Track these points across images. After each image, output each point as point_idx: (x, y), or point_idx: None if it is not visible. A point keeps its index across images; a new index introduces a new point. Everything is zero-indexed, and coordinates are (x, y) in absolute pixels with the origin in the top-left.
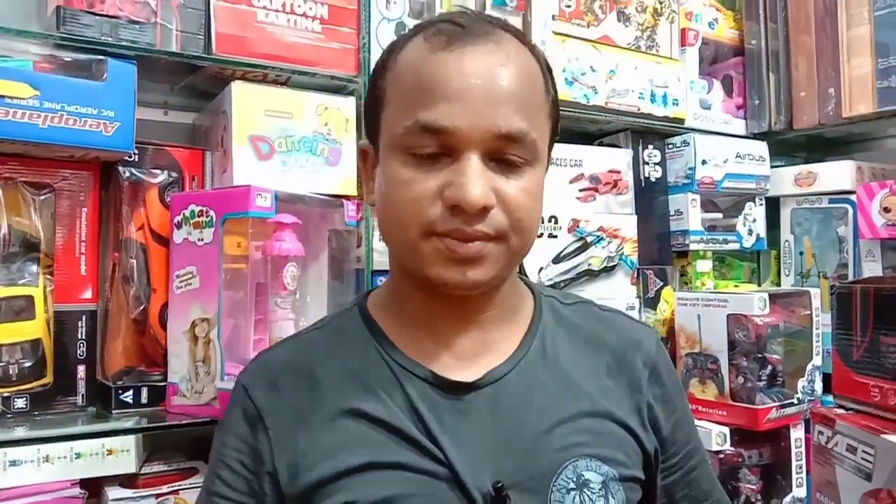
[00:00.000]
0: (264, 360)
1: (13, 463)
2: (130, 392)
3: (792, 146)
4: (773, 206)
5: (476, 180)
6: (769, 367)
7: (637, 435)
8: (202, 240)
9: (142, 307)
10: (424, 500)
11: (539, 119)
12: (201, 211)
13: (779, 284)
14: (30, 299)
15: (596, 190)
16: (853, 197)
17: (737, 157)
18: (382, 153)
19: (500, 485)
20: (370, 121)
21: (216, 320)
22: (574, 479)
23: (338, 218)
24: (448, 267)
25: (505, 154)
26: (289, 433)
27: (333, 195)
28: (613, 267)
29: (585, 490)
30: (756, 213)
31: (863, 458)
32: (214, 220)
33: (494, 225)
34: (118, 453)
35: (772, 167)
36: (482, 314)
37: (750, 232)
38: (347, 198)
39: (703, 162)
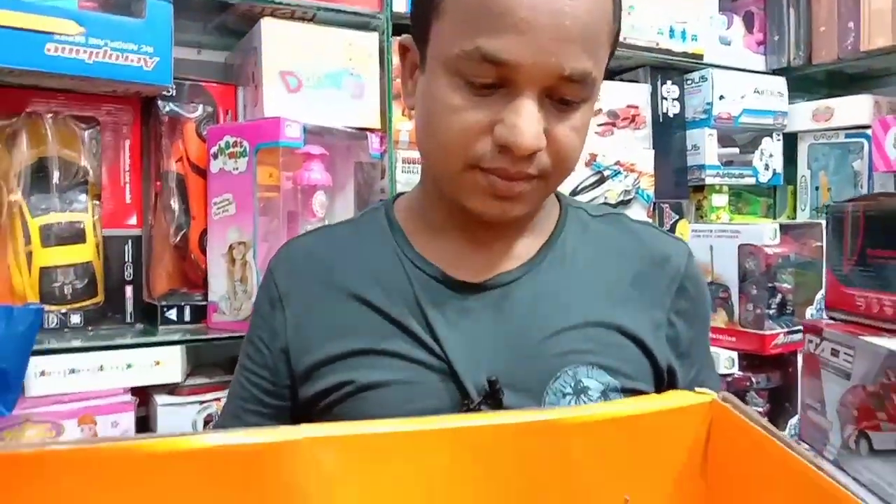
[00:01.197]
0: (290, 248)
1: (72, 371)
2: (174, 310)
3: (811, 83)
4: (790, 141)
5: (530, 123)
6: (779, 297)
7: (649, 349)
8: (237, 169)
9: (182, 233)
10: (418, 387)
11: (602, 54)
12: (235, 142)
13: (794, 219)
14: (80, 225)
15: (614, 125)
16: (870, 132)
17: (755, 92)
18: (430, 65)
19: (494, 379)
20: (418, 23)
21: (252, 243)
22: (572, 385)
23: (363, 150)
24: (488, 202)
25: (563, 94)
26: (301, 314)
27: (358, 128)
28: (630, 201)
29: (583, 396)
30: (773, 148)
31: (844, 360)
32: (248, 150)
33: (539, 165)
34: (165, 364)
35: (790, 104)
36: (506, 227)
37: (766, 167)
38: (372, 131)
39: (721, 97)
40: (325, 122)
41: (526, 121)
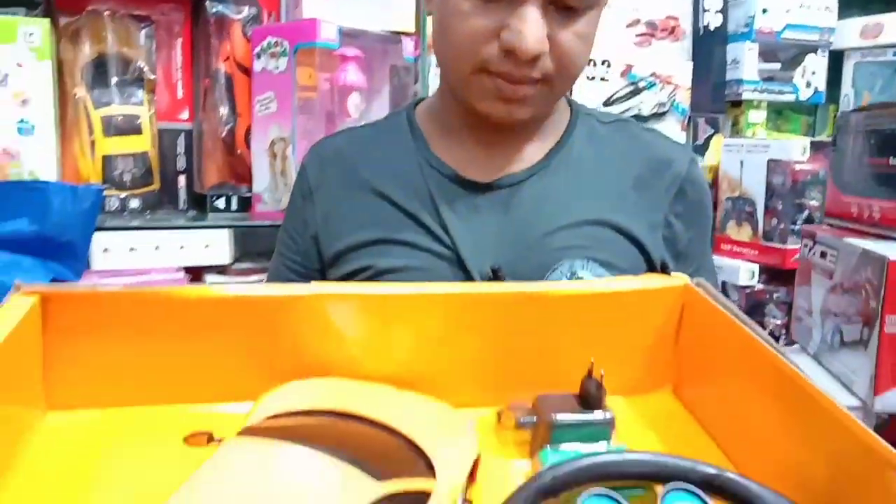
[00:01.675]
0: (320, 147)
1: (132, 249)
2: (223, 200)
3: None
4: (835, 59)
5: (533, 28)
6: (805, 213)
7: (644, 247)
8: (278, 68)
9: (229, 128)
10: (429, 273)
11: None
12: (276, 42)
13: None
14: (137, 118)
15: (652, 35)
16: None
17: (801, 6)
18: None
19: (497, 268)
20: None
21: (291, 139)
22: (567, 275)
23: (397, 54)
24: (495, 104)
25: (567, 1)
26: (329, 207)
27: (393, 31)
28: (664, 113)
29: None
30: (816, 65)
31: (829, 261)
32: (287, 50)
33: (543, 69)
34: (214, 247)
35: (839, 19)
36: (516, 131)
37: (808, 84)
38: (406, 35)
39: (765, 11)
40: (361, 24)
41: (529, 26)
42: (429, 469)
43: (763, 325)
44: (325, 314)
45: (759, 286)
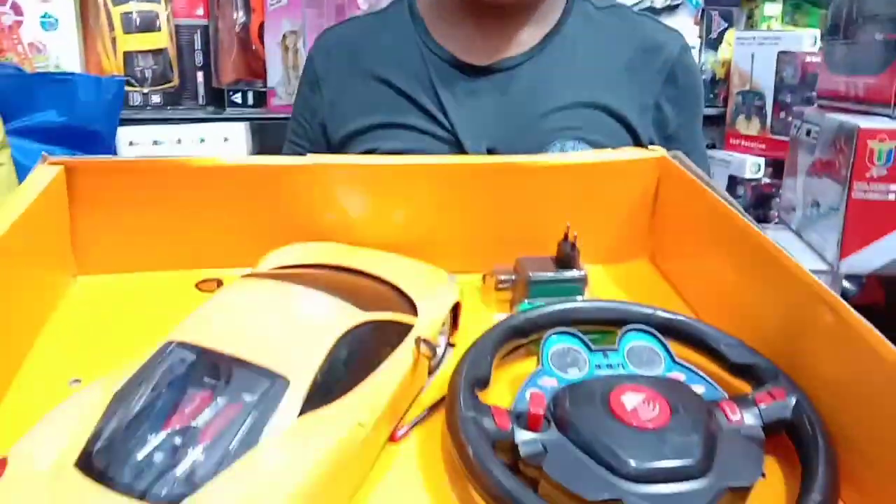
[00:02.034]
0: (325, 36)
1: (155, 142)
2: (239, 95)
3: None
4: None
5: None
6: (815, 105)
7: (633, 128)
8: None
9: (243, 24)
10: (430, 154)
11: None
12: None
13: None
14: (155, 14)
15: None
16: None
17: None
18: None
19: (493, 149)
20: None
21: (302, 32)
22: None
23: None
24: None
25: None
26: (335, 94)
27: None
28: (677, 6)
29: None
30: None
31: (812, 138)
32: None
33: None
34: (232, 139)
35: None
36: (512, 16)
37: None
38: None
39: None
40: None
41: None
42: (412, 309)
43: (768, 219)
44: (324, 183)
45: (766, 179)
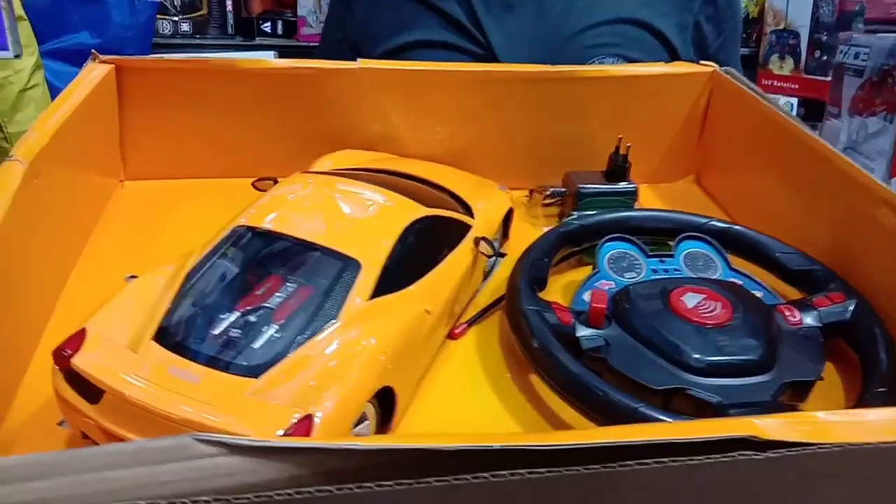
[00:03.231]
0: None
1: None
2: (269, 24)
3: None
4: None
5: None
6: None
7: (673, 47)
8: None
9: None
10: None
11: None
12: None
13: None
14: None
15: None
16: None
17: None
18: None
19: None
20: None
21: None
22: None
23: None
24: None
25: None
26: (365, 14)
27: None
28: None
29: None
30: None
31: (861, 60)
32: None
33: None
34: None
35: None
36: None
37: None
38: None
39: None
40: None
41: None
42: (468, 212)
43: None
44: (370, 89)
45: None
